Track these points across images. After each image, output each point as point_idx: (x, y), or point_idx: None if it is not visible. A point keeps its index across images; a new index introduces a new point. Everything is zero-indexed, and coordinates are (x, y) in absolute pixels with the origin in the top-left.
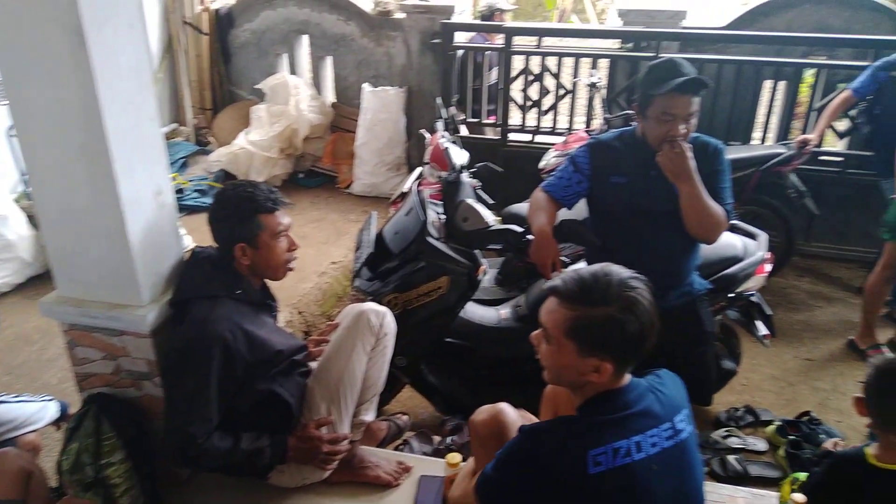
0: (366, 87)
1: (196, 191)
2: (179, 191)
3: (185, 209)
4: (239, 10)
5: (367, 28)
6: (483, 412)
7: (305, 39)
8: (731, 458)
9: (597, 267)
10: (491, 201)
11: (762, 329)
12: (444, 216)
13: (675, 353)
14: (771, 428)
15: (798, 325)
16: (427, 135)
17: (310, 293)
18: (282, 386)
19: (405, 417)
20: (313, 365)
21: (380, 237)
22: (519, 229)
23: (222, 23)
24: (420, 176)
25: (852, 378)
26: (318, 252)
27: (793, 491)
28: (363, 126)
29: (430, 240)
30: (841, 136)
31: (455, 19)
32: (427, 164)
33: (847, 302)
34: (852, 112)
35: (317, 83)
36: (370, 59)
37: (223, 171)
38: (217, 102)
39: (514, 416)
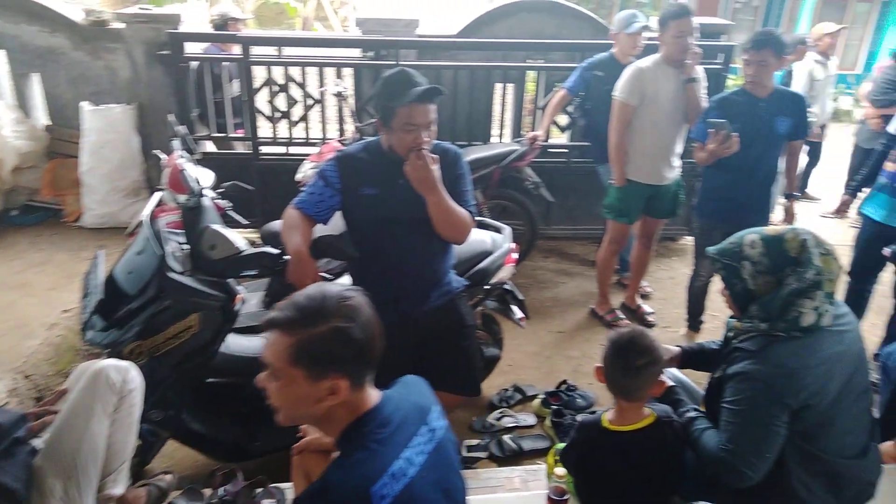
0: (85, 105)
1: None
2: None
3: None
4: None
5: (79, 40)
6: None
7: (2, 55)
8: (506, 437)
9: (310, 288)
10: (244, 222)
11: (518, 313)
12: (187, 246)
13: (442, 351)
14: (536, 402)
15: (548, 301)
16: (163, 156)
17: (38, 351)
18: (2, 471)
19: (168, 477)
20: (39, 442)
21: (111, 279)
22: (275, 251)
23: None
24: (160, 202)
25: (597, 343)
26: (45, 301)
27: (556, 462)
28: (87, 149)
29: (173, 275)
30: (563, 129)
31: (184, 29)
32: (165, 188)
33: (585, 275)
34: (569, 108)
35: (23, 104)
36: (88, 74)
37: None
38: None
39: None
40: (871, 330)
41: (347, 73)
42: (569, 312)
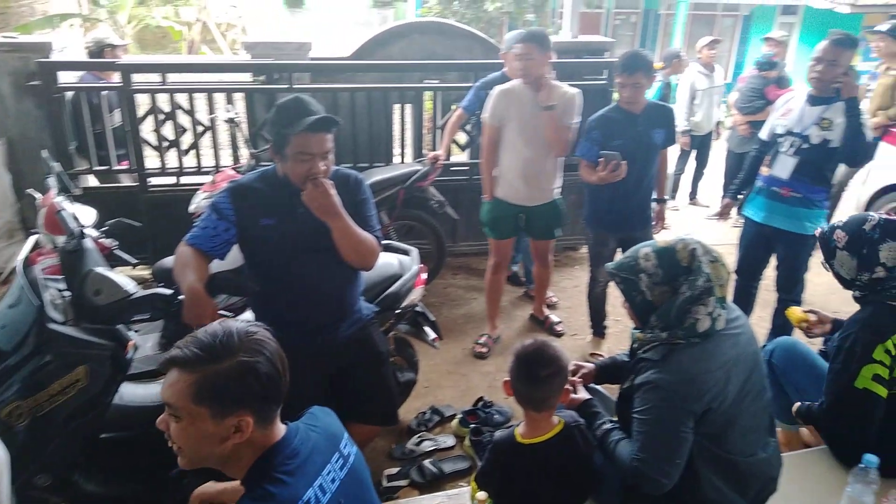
0: None
1: None
2: None
3: None
4: None
5: None
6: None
7: None
8: (426, 462)
9: (213, 325)
10: (133, 261)
11: (431, 334)
12: (68, 293)
13: (357, 382)
14: (454, 422)
15: (460, 319)
16: (37, 195)
17: None
18: None
19: None
20: None
21: None
22: (168, 291)
23: None
24: (36, 245)
25: (511, 356)
26: None
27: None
28: None
29: (54, 326)
30: (463, 147)
31: (57, 57)
32: (41, 230)
33: None
34: (467, 126)
35: None
36: None
37: None
38: None
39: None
40: (759, 323)
41: (239, 97)
42: (481, 328)
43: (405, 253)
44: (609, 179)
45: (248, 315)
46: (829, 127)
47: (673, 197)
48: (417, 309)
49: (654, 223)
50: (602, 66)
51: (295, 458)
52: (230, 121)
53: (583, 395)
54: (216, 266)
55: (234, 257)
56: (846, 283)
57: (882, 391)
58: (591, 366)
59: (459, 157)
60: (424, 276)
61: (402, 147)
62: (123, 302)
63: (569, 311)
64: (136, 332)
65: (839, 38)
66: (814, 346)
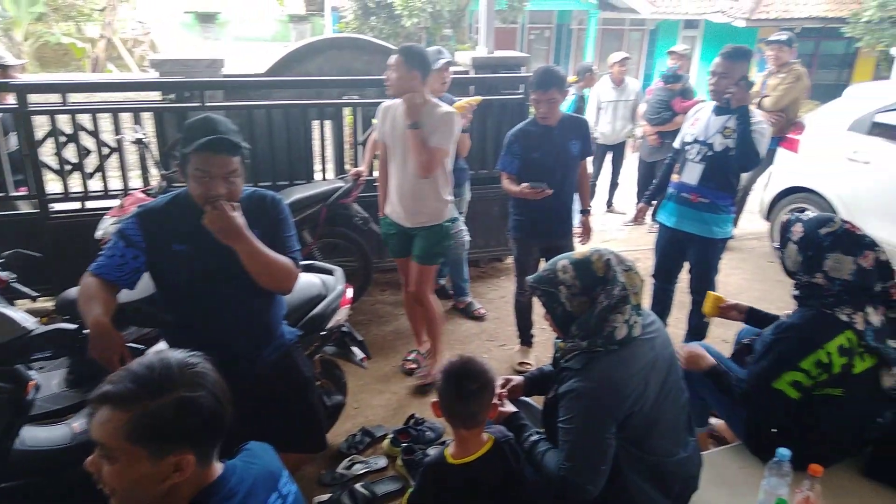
0: None
1: None
2: None
3: None
4: None
5: None
6: None
7: None
8: (358, 486)
9: (148, 357)
10: (33, 294)
11: (359, 354)
12: None
13: (282, 410)
14: (386, 442)
15: (390, 336)
16: None
17: None
18: None
19: None
20: None
21: None
22: (71, 326)
23: None
24: None
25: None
26: None
27: None
28: None
29: None
30: None
31: None
32: None
33: None
34: None
35: None
36: None
37: None
38: None
39: None
40: (676, 325)
41: (147, 117)
42: (411, 344)
43: (329, 272)
44: (531, 197)
45: (162, 347)
46: (731, 135)
47: (609, 208)
48: (344, 329)
49: (579, 235)
50: (518, 81)
51: (232, 499)
52: (138, 141)
53: (510, 408)
54: (125, 296)
55: (145, 286)
56: (787, 273)
57: (794, 394)
58: (520, 379)
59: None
60: (350, 294)
61: (324, 164)
62: (22, 340)
63: (496, 321)
64: (39, 370)
65: (729, 51)
66: (726, 346)
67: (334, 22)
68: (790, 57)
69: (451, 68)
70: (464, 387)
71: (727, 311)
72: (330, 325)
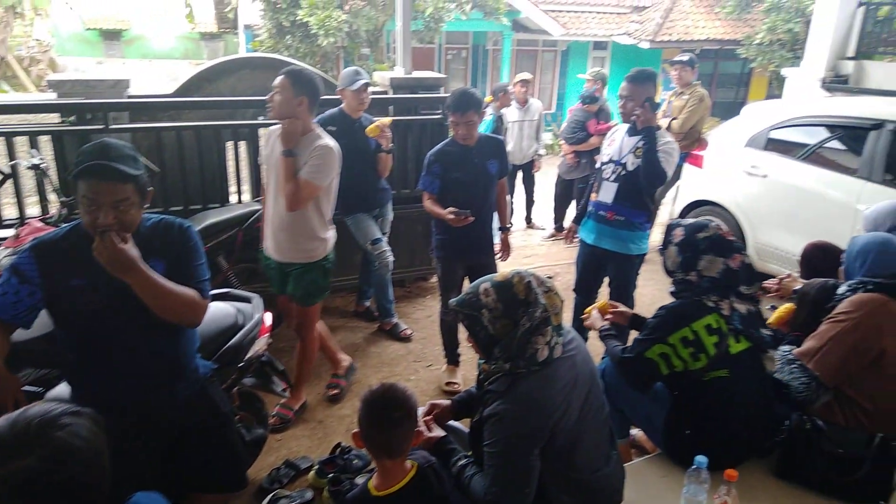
0: None
1: None
2: None
3: None
4: None
5: None
6: None
7: None
8: None
9: (16, 412)
10: None
11: (280, 384)
12: None
13: (197, 449)
14: (311, 473)
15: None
16: None
17: None
18: None
19: None
20: None
21: None
22: None
23: None
24: None
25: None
26: None
27: None
28: None
29: None
30: None
31: None
32: None
33: (348, 327)
34: None
35: None
36: None
37: None
38: None
39: None
40: (596, 338)
41: (46, 140)
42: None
43: (246, 300)
44: (454, 224)
45: (63, 389)
46: (642, 155)
47: (528, 224)
48: (263, 359)
49: (499, 252)
50: (437, 101)
51: None
52: (35, 167)
53: (437, 432)
54: (20, 335)
55: (43, 322)
56: (667, 273)
57: (663, 367)
58: (446, 402)
59: None
60: (270, 321)
61: (239, 186)
62: None
63: (423, 341)
64: None
65: (634, 74)
66: None
67: (248, 40)
68: (692, 76)
69: (370, 89)
70: (385, 416)
71: (616, 316)
72: (248, 355)
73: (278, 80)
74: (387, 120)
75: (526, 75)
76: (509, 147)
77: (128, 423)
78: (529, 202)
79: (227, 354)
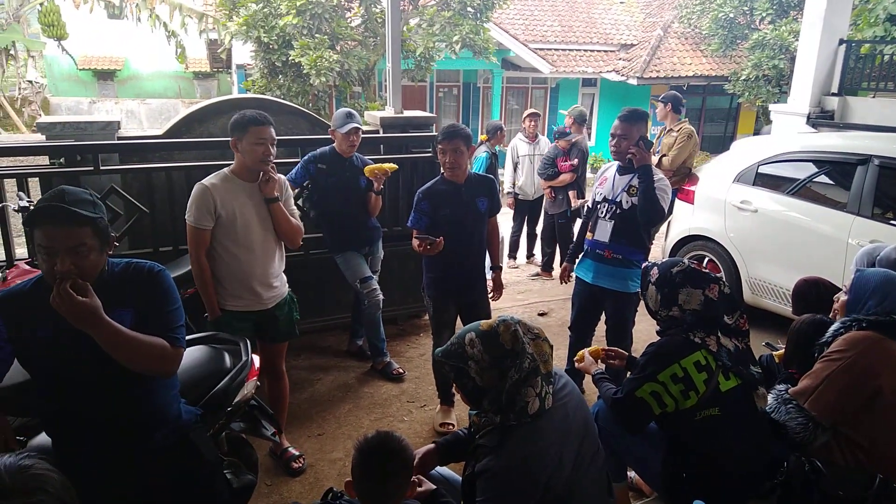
0: None
1: None
2: None
3: None
4: None
5: None
6: None
7: None
8: None
9: None
10: None
11: (270, 428)
12: None
13: (181, 497)
14: None
15: (305, 403)
16: None
17: None
18: None
19: None
20: None
21: None
22: None
23: None
24: None
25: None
26: None
27: None
28: None
29: None
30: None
31: None
32: None
33: (341, 367)
34: (299, 201)
35: None
36: None
37: None
38: None
39: None
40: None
41: (35, 182)
42: (328, 410)
43: (234, 343)
44: (427, 253)
45: (42, 438)
46: (636, 193)
47: (513, 256)
48: (252, 403)
49: (491, 291)
50: (428, 140)
51: None
52: (24, 210)
53: (428, 486)
54: None
55: (19, 371)
56: (651, 313)
57: (655, 406)
58: (431, 447)
59: None
60: (259, 364)
61: None
62: None
63: (416, 381)
64: None
65: (626, 114)
66: None
67: (240, 80)
68: (676, 119)
69: (362, 129)
70: (380, 465)
71: (609, 359)
72: (237, 399)
73: (272, 130)
74: (388, 167)
75: (533, 111)
76: (520, 182)
77: (105, 475)
78: (532, 237)
79: (215, 399)
